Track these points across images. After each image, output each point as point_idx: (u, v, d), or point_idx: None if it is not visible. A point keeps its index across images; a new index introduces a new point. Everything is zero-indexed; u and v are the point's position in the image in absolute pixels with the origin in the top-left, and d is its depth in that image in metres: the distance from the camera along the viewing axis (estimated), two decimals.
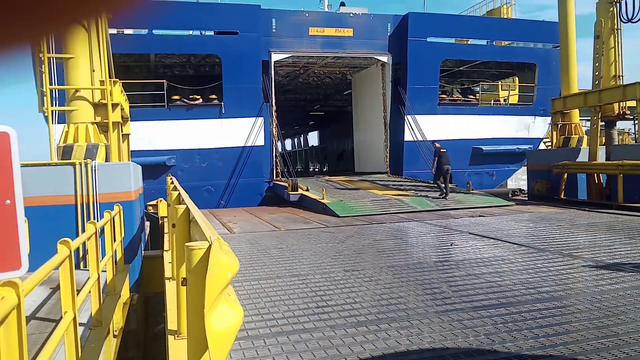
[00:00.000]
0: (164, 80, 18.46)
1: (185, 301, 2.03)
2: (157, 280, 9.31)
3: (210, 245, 2.01)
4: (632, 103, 15.09)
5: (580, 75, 17.35)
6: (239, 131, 18.77)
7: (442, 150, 15.72)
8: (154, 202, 15.55)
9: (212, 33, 19.06)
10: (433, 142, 16.87)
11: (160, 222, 13.96)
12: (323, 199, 15.11)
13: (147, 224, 13.79)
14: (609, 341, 4.07)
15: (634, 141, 30.11)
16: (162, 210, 14.05)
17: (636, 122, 25.73)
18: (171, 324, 4.12)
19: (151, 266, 10.38)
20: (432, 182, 17.30)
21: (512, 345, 4.06)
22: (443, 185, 15.62)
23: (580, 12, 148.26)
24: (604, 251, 7.82)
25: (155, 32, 18.12)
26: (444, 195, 15.42)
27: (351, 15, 20.42)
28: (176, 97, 18.99)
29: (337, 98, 32.10)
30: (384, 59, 20.55)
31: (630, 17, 14.68)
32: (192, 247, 1.99)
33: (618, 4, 15.27)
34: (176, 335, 3.89)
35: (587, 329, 4.36)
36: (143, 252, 10.96)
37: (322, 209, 14.62)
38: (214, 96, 19.02)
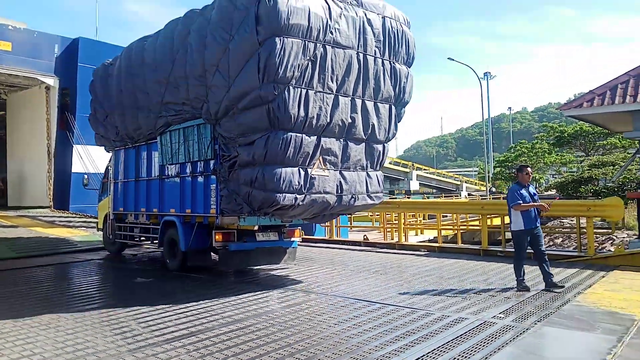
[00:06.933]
0: None
1: None
2: None
3: None
4: None
5: None
6: None
7: None
8: None
9: None
10: None
11: None
12: None
13: None
14: (284, 351, 4.86)
15: None
16: None
17: None
18: None
19: None
20: None
21: None
22: None
23: None
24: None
25: None
26: None
27: (10, 27, 17.84)
28: None
29: None
30: (50, 81, 18.68)
31: None
32: None
33: None
34: None
35: (267, 344, 5.09)
36: None
37: None
38: None
